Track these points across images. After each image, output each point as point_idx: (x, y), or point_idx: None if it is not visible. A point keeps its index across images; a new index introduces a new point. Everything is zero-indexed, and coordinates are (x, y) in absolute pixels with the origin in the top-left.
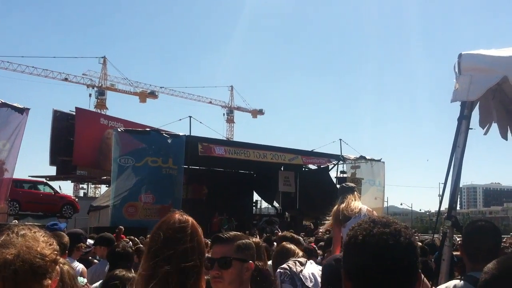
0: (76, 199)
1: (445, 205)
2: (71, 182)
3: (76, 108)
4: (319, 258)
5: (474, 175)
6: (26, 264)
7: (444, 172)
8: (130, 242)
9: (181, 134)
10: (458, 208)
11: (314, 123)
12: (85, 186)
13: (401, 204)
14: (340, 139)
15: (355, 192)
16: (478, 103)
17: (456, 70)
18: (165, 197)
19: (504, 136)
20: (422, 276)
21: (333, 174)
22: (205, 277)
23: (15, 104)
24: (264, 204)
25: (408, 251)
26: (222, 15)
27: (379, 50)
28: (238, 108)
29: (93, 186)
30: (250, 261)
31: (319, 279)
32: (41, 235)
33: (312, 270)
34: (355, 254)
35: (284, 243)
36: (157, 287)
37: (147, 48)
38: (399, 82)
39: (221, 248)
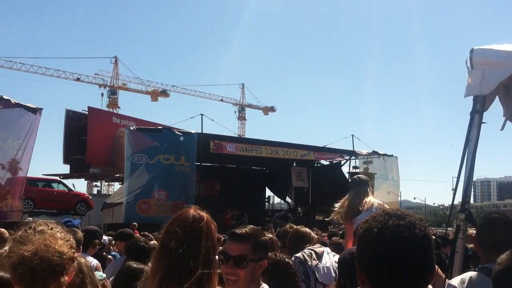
0: (90, 197)
1: (458, 199)
2: (85, 180)
3: (89, 107)
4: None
5: (488, 168)
6: (44, 262)
7: (457, 167)
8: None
9: (193, 131)
10: (472, 201)
11: (326, 119)
12: (98, 183)
13: (415, 198)
14: (352, 135)
15: (368, 187)
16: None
17: (468, 65)
18: (178, 194)
19: None
20: (436, 267)
21: (345, 169)
22: (217, 271)
23: (28, 105)
24: (277, 200)
25: (423, 243)
26: (233, 12)
27: (390, 45)
28: (250, 106)
29: (106, 183)
30: (265, 260)
31: (333, 274)
32: (58, 231)
33: (327, 263)
34: (370, 246)
35: (298, 227)
36: (172, 283)
37: (158, 47)
38: (411, 76)
39: (237, 246)
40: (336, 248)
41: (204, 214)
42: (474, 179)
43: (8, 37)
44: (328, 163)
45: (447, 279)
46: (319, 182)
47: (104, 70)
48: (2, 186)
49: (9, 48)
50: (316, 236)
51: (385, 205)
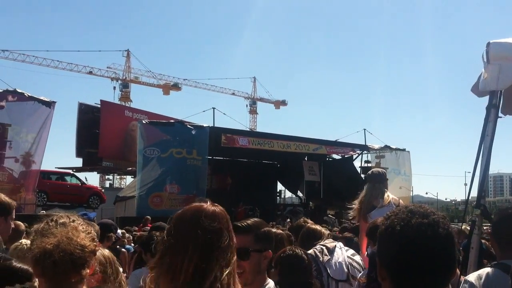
0: (103, 190)
1: (473, 194)
2: (97, 173)
3: (101, 100)
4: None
5: (500, 163)
6: (66, 255)
7: (470, 161)
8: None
9: (205, 125)
10: None
11: (337, 114)
12: (110, 177)
13: (427, 193)
14: (364, 129)
15: (385, 182)
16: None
17: (485, 59)
18: (190, 187)
19: None
20: None
21: (357, 164)
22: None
23: (41, 98)
24: (288, 194)
25: (447, 242)
26: (245, 6)
27: (402, 39)
28: (261, 99)
29: (118, 177)
30: (269, 250)
31: (345, 269)
32: (80, 223)
33: (339, 258)
34: (392, 243)
35: (309, 224)
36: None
37: (170, 41)
38: (424, 70)
39: (239, 239)
40: (347, 243)
41: (222, 209)
42: None
43: (21, 31)
44: (340, 157)
45: (462, 275)
46: (331, 176)
47: (117, 64)
48: (16, 179)
49: (22, 41)
50: (327, 232)
51: (400, 200)
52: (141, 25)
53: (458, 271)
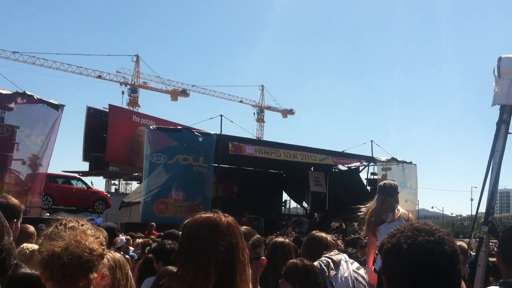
0: (108, 195)
1: (481, 210)
2: (103, 178)
3: (110, 105)
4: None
5: (507, 179)
6: (74, 258)
7: (476, 176)
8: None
9: (212, 132)
10: None
11: (344, 124)
12: (116, 182)
13: (432, 208)
14: (371, 141)
15: (396, 196)
16: None
17: (496, 73)
18: (195, 194)
19: None
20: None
21: (363, 175)
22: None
23: (50, 101)
24: (293, 204)
25: (452, 259)
26: (253, 14)
27: (411, 51)
28: (269, 108)
29: (124, 182)
30: (263, 257)
31: (350, 284)
32: (89, 228)
33: (345, 272)
34: (399, 261)
35: (314, 232)
36: None
37: (179, 47)
38: (431, 84)
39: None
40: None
41: (236, 223)
42: None
43: (32, 33)
44: (346, 168)
45: None
46: (337, 187)
47: (126, 68)
48: (24, 182)
49: (32, 44)
50: (334, 242)
51: (409, 214)
52: (151, 30)
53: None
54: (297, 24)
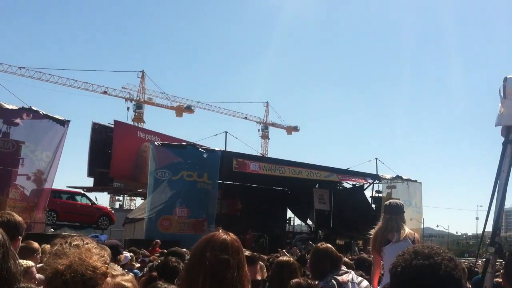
0: (112, 211)
1: (487, 229)
2: (108, 193)
3: (115, 121)
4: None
5: None
6: (77, 275)
7: (482, 195)
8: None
9: (216, 149)
10: None
11: (349, 142)
12: (121, 198)
13: (437, 226)
14: (376, 158)
15: (402, 215)
16: None
17: (501, 93)
18: (199, 211)
19: None
20: None
21: (368, 193)
22: None
23: (56, 116)
24: (297, 222)
25: (448, 283)
26: (258, 31)
27: (417, 69)
28: (273, 124)
29: (128, 198)
30: None
31: None
32: (94, 246)
33: None
34: (395, 283)
35: (319, 244)
36: None
37: (184, 63)
38: (437, 102)
39: (253, 269)
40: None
41: (238, 241)
42: None
43: (38, 49)
44: (351, 186)
45: None
46: (341, 205)
47: (131, 84)
48: (29, 197)
49: (39, 59)
50: (343, 258)
51: (415, 234)
52: (156, 47)
53: None
54: (301, 42)
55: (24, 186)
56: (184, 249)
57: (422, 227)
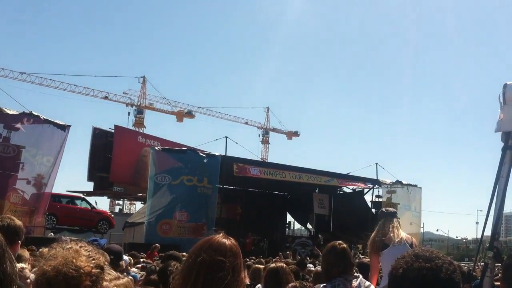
0: (112, 215)
1: (486, 234)
2: (107, 198)
3: (115, 126)
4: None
5: None
6: (60, 275)
7: (482, 199)
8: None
9: (217, 154)
10: None
11: (350, 147)
12: (120, 202)
13: (437, 230)
14: (376, 163)
15: (395, 219)
16: None
17: (501, 100)
18: (199, 215)
19: None
20: None
21: (368, 198)
22: None
23: (57, 121)
24: (297, 226)
25: (448, 287)
26: (259, 36)
27: (418, 74)
28: (274, 130)
29: (128, 202)
30: None
31: None
32: (86, 249)
33: None
34: (395, 285)
35: (337, 243)
36: None
37: (185, 68)
38: (438, 106)
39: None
40: (316, 279)
41: (237, 246)
42: None
43: (39, 54)
44: (351, 190)
45: None
46: (341, 209)
47: (132, 89)
48: (30, 202)
49: (40, 65)
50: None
51: (413, 238)
52: (157, 52)
53: None
54: (302, 47)
55: (24, 190)
56: (184, 253)
57: (422, 231)
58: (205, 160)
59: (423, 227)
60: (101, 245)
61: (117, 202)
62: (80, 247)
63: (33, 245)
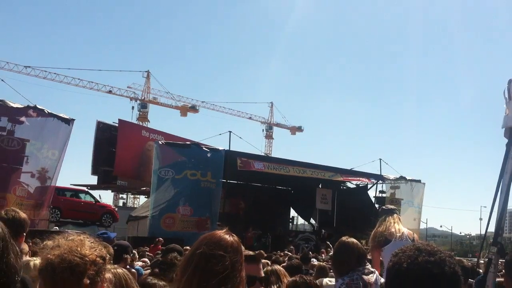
0: (116, 209)
1: (490, 230)
2: (111, 191)
3: (119, 120)
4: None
5: None
6: (64, 262)
7: (486, 195)
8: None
9: (220, 148)
10: None
11: (353, 142)
12: (124, 196)
13: (441, 226)
14: (380, 159)
15: (396, 215)
16: None
17: (506, 95)
18: (202, 210)
19: None
20: None
21: (371, 193)
22: None
23: (61, 115)
24: (301, 221)
25: (452, 281)
26: (264, 32)
27: (422, 69)
28: (277, 125)
29: (132, 196)
30: None
31: None
32: (89, 240)
33: None
34: (398, 281)
35: (344, 238)
36: None
37: (189, 63)
38: (442, 102)
39: (256, 267)
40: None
41: (239, 242)
42: None
43: (44, 48)
44: (355, 186)
45: None
46: (345, 205)
47: (136, 84)
48: (35, 196)
49: (44, 58)
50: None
51: (414, 234)
52: (162, 46)
53: None
54: (307, 42)
55: (29, 184)
56: (187, 247)
57: (425, 227)
58: (208, 155)
59: (426, 223)
60: (111, 238)
61: (121, 196)
62: (83, 238)
63: (37, 238)
